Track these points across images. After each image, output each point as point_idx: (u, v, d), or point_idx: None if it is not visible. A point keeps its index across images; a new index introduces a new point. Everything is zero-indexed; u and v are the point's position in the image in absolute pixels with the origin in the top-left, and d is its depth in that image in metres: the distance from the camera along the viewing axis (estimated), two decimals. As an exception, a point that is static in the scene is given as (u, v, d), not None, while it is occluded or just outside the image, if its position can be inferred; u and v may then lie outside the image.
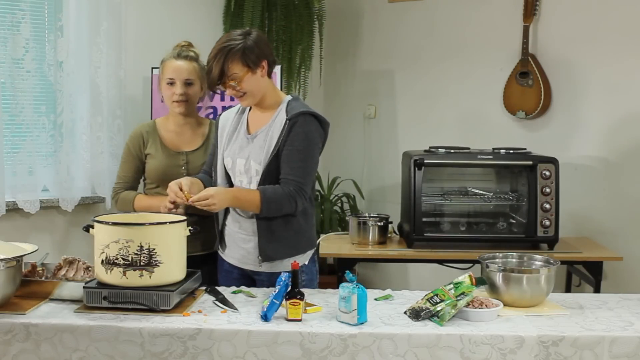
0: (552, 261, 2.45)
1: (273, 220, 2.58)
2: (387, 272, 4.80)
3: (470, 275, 2.28)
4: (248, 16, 4.29)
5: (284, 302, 2.17)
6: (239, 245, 2.68)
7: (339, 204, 4.78)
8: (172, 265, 2.26)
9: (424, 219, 3.59)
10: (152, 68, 3.72)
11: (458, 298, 2.18)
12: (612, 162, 3.97)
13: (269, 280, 2.57)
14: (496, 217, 3.74)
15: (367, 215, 3.79)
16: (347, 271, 2.20)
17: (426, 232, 3.58)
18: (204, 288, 2.47)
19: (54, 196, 3.75)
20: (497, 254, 2.54)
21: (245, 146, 2.65)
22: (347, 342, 2.07)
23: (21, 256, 2.24)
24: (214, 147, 2.77)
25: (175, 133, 2.96)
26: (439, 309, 2.16)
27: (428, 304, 2.20)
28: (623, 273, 3.81)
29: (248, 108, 2.72)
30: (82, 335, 2.10)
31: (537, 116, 4.15)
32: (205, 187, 2.62)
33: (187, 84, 2.88)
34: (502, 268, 2.37)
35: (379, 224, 3.67)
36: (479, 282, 2.34)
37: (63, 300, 2.30)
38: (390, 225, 3.76)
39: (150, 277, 2.21)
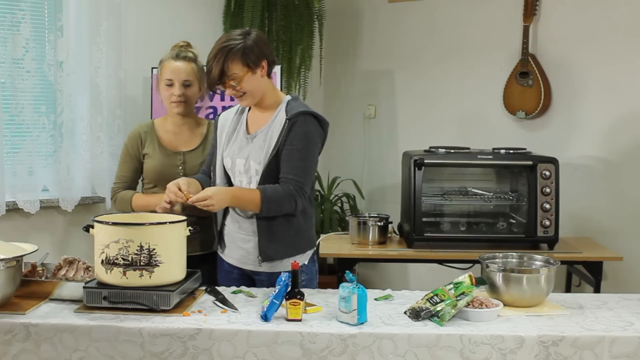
0: (552, 261, 2.45)
1: (273, 220, 2.58)
2: (387, 272, 4.80)
3: (470, 275, 2.28)
4: (248, 16, 4.29)
5: (284, 302, 2.17)
6: (239, 245, 2.68)
7: (339, 204, 4.78)
8: (172, 265, 2.26)
9: (424, 219, 3.59)
10: (152, 68, 3.71)
11: (458, 298, 2.18)
12: (612, 162, 3.97)
13: (269, 280, 2.57)
14: (496, 217, 3.74)
15: (367, 215, 3.79)
16: (347, 271, 2.20)
17: (426, 232, 3.58)
18: (204, 288, 2.47)
19: (54, 196, 3.75)
20: (497, 254, 2.54)
21: (245, 146, 2.65)
22: (347, 342, 2.07)
23: (21, 256, 2.24)
24: (213, 147, 2.77)
25: (173, 133, 2.96)
26: (439, 309, 2.16)
27: (428, 304, 2.20)
28: (623, 273, 3.81)
29: (247, 108, 2.73)
30: (82, 335, 2.10)
31: (537, 116, 4.15)
32: (203, 188, 2.61)
33: (186, 85, 2.88)
34: (502, 268, 2.37)
35: (379, 224, 3.67)
36: (479, 282, 2.34)
37: (63, 300, 2.30)
38: (390, 225, 3.76)
39: (150, 277, 2.21)
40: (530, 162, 3.53)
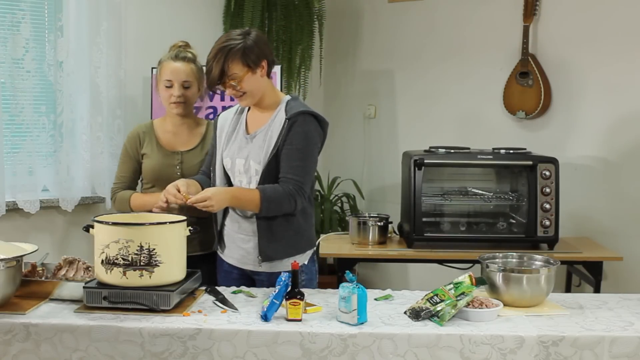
0: (552, 261, 2.45)
1: (273, 220, 2.58)
2: (387, 272, 4.80)
3: (470, 275, 2.28)
4: (248, 16, 4.29)
5: (284, 302, 2.17)
6: (239, 245, 2.68)
7: (339, 204, 4.78)
8: (172, 265, 2.26)
9: (424, 219, 3.59)
10: (152, 68, 3.71)
11: (458, 298, 2.18)
12: (612, 162, 3.97)
13: (269, 280, 2.57)
14: (496, 217, 3.74)
15: (367, 215, 3.79)
16: (347, 271, 2.20)
17: (426, 232, 3.58)
18: (204, 288, 2.47)
19: (54, 196, 3.75)
20: (497, 254, 2.54)
21: (245, 146, 2.65)
22: (347, 342, 2.07)
23: (21, 256, 2.24)
24: (213, 147, 2.77)
25: (172, 133, 2.96)
26: (439, 309, 2.16)
27: (428, 304, 2.20)
28: (623, 273, 3.81)
29: (247, 108, 2.73)
30: (82, 335, 2.10)
31: (537, 116, 4.15)
32: (203, 188, 2.61)
33: (185, 86, 2.88)
34: (502, 268, 2.37)
35: (379, 224, 3.67)
36: (479, 282, 2.34)
37: (63, 300, 2.30)
38: (390, 225, 3.76)
39: (150, 277, 2.21)
40: (530, 162, 3.53)
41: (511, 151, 3.64)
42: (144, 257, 2.20)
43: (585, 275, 3.58)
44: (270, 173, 2.57)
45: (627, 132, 3.91)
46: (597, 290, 3.43)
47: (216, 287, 2.49)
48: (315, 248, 2.75)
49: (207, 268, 2.66)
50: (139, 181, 3.04)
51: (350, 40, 4.95)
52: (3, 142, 3.49)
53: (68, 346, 2.10)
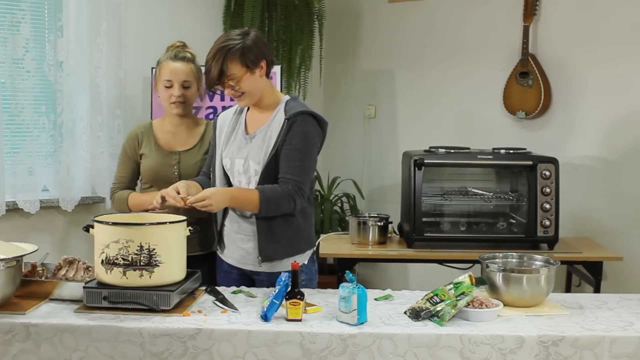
0: (552, 261, 2.45)
1: (272, 221, 2.58)
2: (387, 272, 4.80)
3: (470, 275, 2.28)
4: (248, 16, 4.29)
5: (284, 302, 2.17)
6: (238, 245, 2.68)
7: (339, 204, 4.78)
8: (172, 265, 2.26)
9: (424, 219, 3.59)
10: (152, 68, 3.70)
11: (458, 298, 2.18)
12: (612, 162, 3.97)
13: (268, 280, 2.57)
14: (496, 217, 3.74)
15: (367, 215, 3.79)
16: (347, 271, 2.20)
17: (426, 232, 3.58)
18: (204, 288, 2.47)
19: (54, 196, 3.75)
20: (497, 254, 2.54)
21: (244, 146, 2.64)
22: (347, 342, 2.07)
23: (21, 256, 2.24)
24: (212, 147, 2.77)
25: (171, 134, 2.96)
26: (439, 309, 2.16)
27: (428, 304, 2.20)
28: (623, 273, 3.81)
29: (246, 108, 2.72)
30: (82, 335, 2.10)
31: (537, 116, 4.15)
32: (203, 189, 2.61)
33: (185, 86, 2.87)
34: (502, 268, 2.37)
35: (379, 224, 3.67)
36: (479, 282, 2.34)
37: (63, 300, 2.30)
38: (390, 225, 3.76)
39: (150, 277, 2.21)
40: (530, 162, 3.53)
41: (511, 151, 3.64)
42: (144, 257, 2.20)
43: (585, 275, 3.58)
44: (270, 173, 2.57)
45: (627, 132, 3.91)
46: (597, 290, 3.43)
47: (216, 287, 2.49)
48: (315, 248, 2.75)
49: (207, 268, 2.66)
50: (138, 181, 3.04)
51: (350, 40, 4.95)
52: (3, 142, 3.49)
53: (68, 346, 2.10)
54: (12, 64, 3.56)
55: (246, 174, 2.62)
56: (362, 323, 2.14)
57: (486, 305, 2.23)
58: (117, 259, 2.20)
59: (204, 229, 2.68)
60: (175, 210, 2.56)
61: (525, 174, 3.55)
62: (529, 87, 4.10)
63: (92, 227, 2.28)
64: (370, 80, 4.88)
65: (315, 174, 2.78)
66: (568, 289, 3.93)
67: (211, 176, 2.76)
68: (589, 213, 4.01)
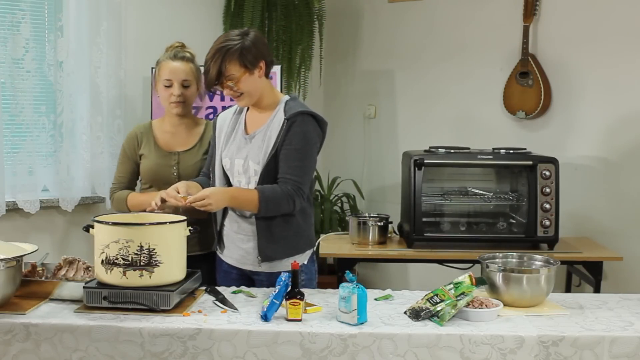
0: (552, 261, 2.45)
1: (272, 221, 2.58)
2: (387, 272, 4.80)
3: (470, 275, 2.28)
4: (248, 16, 4.29)
5: (284, 302, 2.17)
6: (238, 245, 2.68)
7: (339, 204, 4.78)
8: (172, 265, 2.26)
9: (424, 219, 3.59)
10: (152, 68, 3.70)
11: (458, 298, 2.18)
12: (612, 162, 3.97)
13: (268, 280, 2.57)
14: (496, 217, 3.74)
15: (367, 215, 3.79)
16: (347, 271, 2.20)
17: (426, 232, 3.58)
18: (204, 288, 2.47)
19: (54, 196, 3.75)
20: (497, 254, 2.54)
21: (244, 146, 2.64)
22: (347, 342, 2.07)
23: (21, 256, 2.24)
24: (212, 148, 2.77)
25: (170, 134, 2.96)
26: (439, 309, 2.16)
27: (428, 304, 2.20)
28: (623, 273, 3.81)
29: (245, 108, 2.72)
30: (82, 335, 2.10)
31: (537, 116, 4.15)
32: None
33: (185, 85, 2.87)
34: (502, 268, 2.37)
35: (379, 224, 3.67)
36: (479, 282, 2.34)
37: (63, 300, 2.30)
38: (390, 225, 3.76)
39: (150, 277, 2.21)
40: (530, 162, 3.53)
41: (511, 151, 3.64)
42: (144, 257, 2.20)
43: (585, 275, 3.58)
44: (269, 173, 2.57)
45: (627, 132, 3.91)
46: (597, 290, 3.43)
47: (216, 287, 2.49)
48: (314, 248, 2.75)
49: (207, 268, 2.66)
50: (138, 181, 3.03)
51: (350, 40, 4.95)
52: (3, 142, 3.49)
53: (68, 346, 2.10)
54: (12, 64, 3.56)
55: (246, 174, 2.62)
56: (362, 323, 2.14)
57: (486, 305, 2.23)
58: (117, 259, 2.20)
59: (204, 229, 2.68)
60: (175, 210, 2.56)
61: (525, 174, 3.55)
62: (529, 87, 4.10)
63: (92, 227, 2.28)
64: (370, 80, 4.88)
65: (315, 174, 2.78)
66: (568, 289, 3.93)
67: (211, 176, 2.75)
68: (589, 213, 4.01)
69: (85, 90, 3.75)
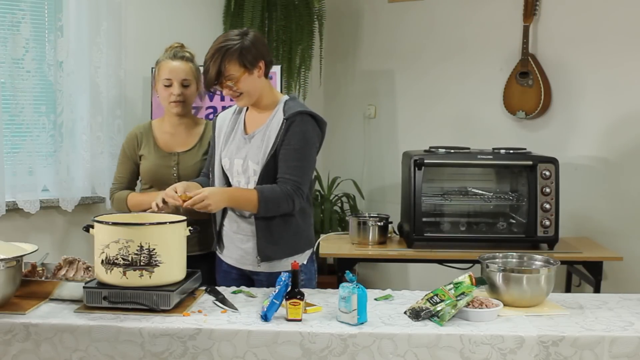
0: (552, 261, 2.45)
1: (271, 221, 2.58)
2: (387, 272, 4.80)
3: (470, 275, 2.27)
4: (248, 16, 4.29)
5: (284, 302, 2.17)
6: (237, 245, 2.68)
7: (339, 204, 4.78)
8: (172, 265, 2.26)
9: (424, 219, 3.59)
10: (152, 68, 3.71)
11: (458, 298, 2.18)
12: (612, 162, 3.97)
13: (268, 280, 2.58)
14: (496, 217, 3.74)
15: (367, 215, 3.79)
16: (347, 271, 2.20)
17: (426, 232, 3.58)
18: (204, 288, 2.47)
19: (54, 196, 3.75)
20: (497, 254, 2.54)
21: (243, 146, 2.64)
22: (347, 342, 2.07)
23: (21, 256, 2.24)
24: (212, 148, 2.77)
25: (170, 134, 2.96)
26: (439, 309, 2.16)
27: (428, 304, 2.20)
28: (623, 273, 3.81)
29: (245, 108, 2.72)
30: (82, 335, 2.10)
31: (537, 116, 4.15)
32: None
33: (185, 85, 2.88)
34: (502, 268, 2.37)
35: (379, 224, 3.67)
36: (479, 282, 2.34)
37: (63, 300, 2.30)
38: (390, 225, 3.76)
39: (150, 277, 2.21)
40: (530, 162, 3.53)
41: (511, 151, 3.64)
42: (144, 257, 2.20)
43: (585, 275, 3.58)
44: (269, 173, 2.57)
45: (627, 132, 3.91)
46: (597, 290, 3.43)
47: (216, 287, 2.49)
48: (314, 248, 2.75)
49: (206, 268, 2.66)
50: (138, 182, 3.03)
51: (350, 40, 4.95)
52: (3, 142, 3.49)
53: (68, 346, 2.10)
54: (12, 64, 3.56)
55: (245, 174, 2.62)
56: (362, 323, 2.14)
57: (486, 305, 2.23)
58: (117, 259, 2.20)
59: (204, 229, 2.68)
60: (176, 210, 2.56)
61: (525, 174, 3.55)
62: (529, 87, 4.10)
63: (92, 227, 2.28)
64: (370, 80, 4.88)
65: (315, 174, 2.78)
66: (568, 289, 3.93)
67: (210, 176, 2.75)
68: (589, 213, 4.01)
69: (85, 90, 3.75)
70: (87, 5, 3.70)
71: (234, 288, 2.53)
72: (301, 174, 2.57)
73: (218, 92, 2.82)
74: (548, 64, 4.11)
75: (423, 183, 3.55)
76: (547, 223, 3.50)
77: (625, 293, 2.55)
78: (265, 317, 2.15)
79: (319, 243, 3.57)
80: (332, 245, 3.69)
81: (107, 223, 2.24)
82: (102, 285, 2.23)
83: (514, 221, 3.69)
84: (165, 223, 2.31)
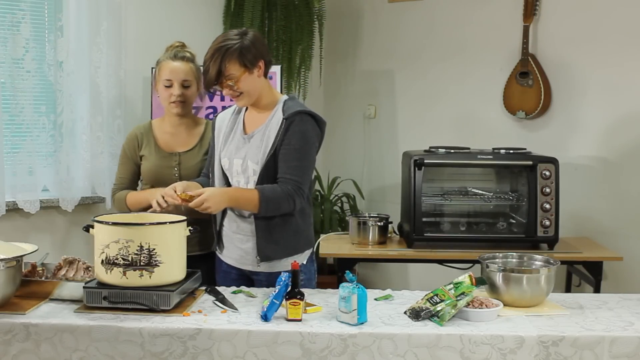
0: (552, 261, 2.45)
1: (271, 220, 2.58)
2: (387, 272, 4.80)
3: (470, 275, 2.28)
4: (248, 16, 4.29)
5: (284, 302, 2.17)
6: (237, 245, 2.68)
7: (339, 204, 4.78)
8: (172, 265, 2.26)
9: (424, 219, 3.59)
10: (152, 68, 3.70)
11: (458, 298, 2.18)
12: (612, 162, 3.97)
13: (267, 280, 2.57)
14: (496, 217, 3.74)
15: (367, 215, 3.79)
16: (347, 271, 2.20)
17: (426, 232, 3.58)
18: (204, 288, 2.47)
19: (54, 196, 3.75)
20: (497, 254, 2.54)
21: (242, 146, 2.64)
22: (347, 342, 2.07)
23: (21, 256, 2.24)
24: (212, 148, 2.77)
25: (170, 134, 2.95)
26: (439, 309, 2.16)
27: (428, 304, 2.20)
28: (623, 273, 3.81)
29: (244, 108, 2.72)
30: (82, 335, 2.10)
31: (537, 116, 4.15)
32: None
33: (185, 85, 2.87)
34: (502, 268, 2.37)
35: (379, 224, 3.67)
36: (479, 282, 2.34)
37: (63, 300, 2.30)
38: (390, 225, 3.76)
39: (150, 277, 2.21)
40: (530, 162, 3.53)
41: (511, 151, 3.64)
42: (144, 257, 2.20)
43: (585, 275, 3.58)
44: (268, 173, 2.56)
45: (627, 132, 3.90)
46: (597, 290, 3.43)
47: (216, 287, 2.49)
48: (314, 248, 2.75)
49: (206, 268, 2.65)
50: (139, 182, 3.03)
51: (350, 40, 4.95)
52: (3, 142, 3.49)
53: (68, 346, 2.10)
54: (12, 64, 3.56)
55: (244, 174, 2.62)
56: (362, 323, 2.14)
57: (486, 305, 2.23)
58: (117, 259, 2.20)
59: (204, 229, 2.68)
60: (178, 210, 2.56)
61: (525, 174, 3.55)
62: (529, 87, 4.10)
63: (92, 227, 2.28)
64: (370, 80, 4.88)
65: (315, 173, 2.78)
66: (568, 289, 3.93)
67: (210, 176, 2.75)
68: (589, 213, 4.01)
69: (85, 90, 3.75)
70: (87, 5, 3.70)
71: (234, 288, 2.53)
72: (301, 173, 2.57)
73: (218, 92, 2.81)
74: (548, 64, 4.10)
75: (423, 183, 3.55)
76: (547, 223, 3.50)
77: (625, 293, 2.55)
78: (265, 317, 2.15)
79: (319, 243, 3.57)
80: (332, 245, 3.69)
81: (107, 223, 2.24)
82: (102, 285, 2.23)
83: (514, 221, 3.69)
84: (165, 223, 2.31)
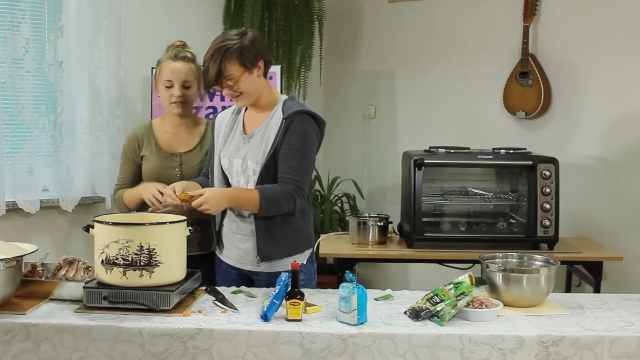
0: (552, 261, 2.45)
1: (271, 220, 2.58)
2: (387, 272, 4.80)
3: (470, 275, 2.27)
4: (248, 16, 4.29)
5: (284, 302, 2.17)
6: (237, 245, 2.67)
7: (339, 204, 4.78)
8: (172, 265, 2.26)
9: (424, 219, 3.59)
10: (152, 68, 3.70)
11: (458, 298, 2.18)
12: (612, 162, 3.97)
13: (267, 280, 2.57)
14: (496, 217, 3.74)
15: (367, 215, 3.79)
16: (347, 271, 2.20)
17: (426, 232, 3.58)
18: (204, 288, 2.47)
19: (54, 196, 3.75)
20: (497, 254, 2.54)
21: (242, 146, 2.64)
22: (347, 342, 2.07)
23: (21, 256, 2.24)
24: (211, 148, 2.77)
25: (171, 134, 2.95)
26: (439, 309, 2.16)
27: (428, 304, 2.20)
28: (623, 273, 3.81)
29: (244, 108, 2.72)
30: (82, 335, 2.10)
31: (537, 116, 4.15)
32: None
33: (186, 86, 2.87)
34: (502, 268, 2.37)
35: (379, 224, 3.67)
36: (479, 282, 2.34)
37: (63, 300, 2.30)
38: (390, 225, 3.76)
39: (150, 277, 2.21)
40: (530, 162, 3.53)
41: (511, 151, 3.64)
42: (144, 257, 2.20)
43: (585, 275, 3.58)
44: (268, 173, 2.56)
45: (627, 132, 3.91)
46: (597, 290, 3.43)
47: (216, 287, 2.49)
48: (313, 248, 2.75)
49: (206, 268, 2.65)
50: (141, 182, 3.03)
51: (350, 40, 4.95)
52: (3, 142, 3.49)
53: (68, 346, 2.10)
54: (12, 64, 3.56)
55: (244, 173, 2.62)
56: (362, 323, 2.14)
57: (486, 305, 2.23)
58: (117, 259, 2.20)
59: (204, 229, 2.68)
60: (179, 210, 2.56)
61: (525, 174, 3.55)
62: (529, 87, 4.10)
63: (92, 227, 2.28)
64: (370, 80, 4.88)
65: (315, 173, 2.78)
66: (568, 289, 3.93)
67: (209, 176, 2.75)
68: (589, 213, 4.01)
69: (85, 90, 3.75)
70: (87, 5, 3.71)
71: (234, 288, 2.53)
72: (302, 173, 2.57)
73: (218, 92, 2.81)
74: (548, 63, 4.11)
75: (423, 183, 3.55)
76: (547, 223, 3.50)
77: (625, 293, 2.55)
78: (265, 317, 2.15)
79: (319, 243, 3.57)
80: (332, 245, 3.69)
81: (107, 223, 2.24)
82: (102, 285, 2.23)
83: (514, 221, 3.69)
84: (165, 223, 2.31)
